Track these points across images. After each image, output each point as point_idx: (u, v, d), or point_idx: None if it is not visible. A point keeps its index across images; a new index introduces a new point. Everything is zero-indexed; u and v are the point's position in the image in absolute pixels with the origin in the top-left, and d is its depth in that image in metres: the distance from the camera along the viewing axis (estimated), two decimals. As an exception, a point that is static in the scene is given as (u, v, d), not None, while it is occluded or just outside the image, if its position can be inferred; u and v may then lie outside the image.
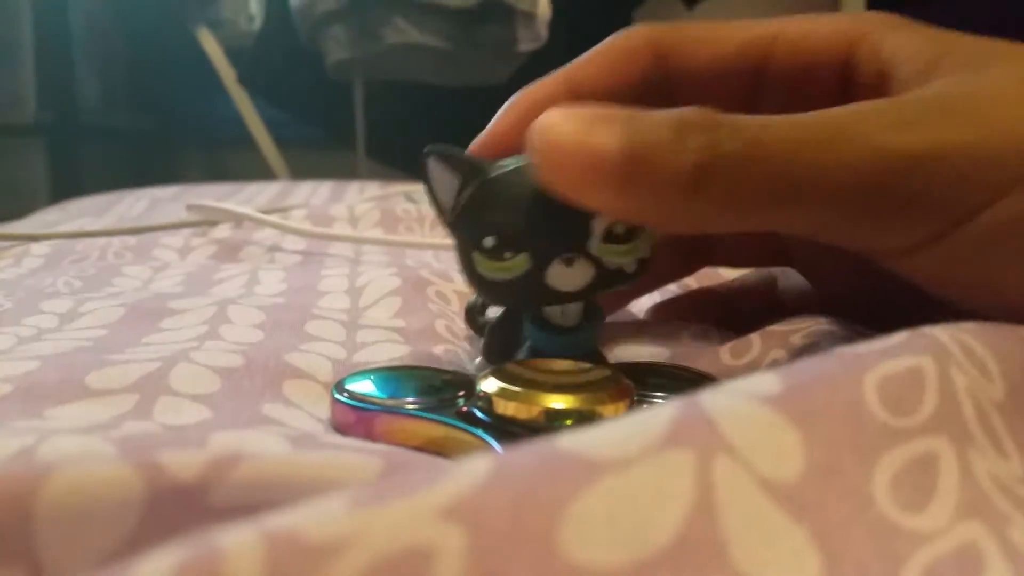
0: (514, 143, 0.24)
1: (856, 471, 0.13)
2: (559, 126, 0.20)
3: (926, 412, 0.14)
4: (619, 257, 0.22)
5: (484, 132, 0.25)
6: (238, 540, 0.09)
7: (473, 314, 0.29)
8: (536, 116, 0.22)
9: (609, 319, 0.29)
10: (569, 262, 0.22)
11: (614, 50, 0.25)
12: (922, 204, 0.18)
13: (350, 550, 0.09)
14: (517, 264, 0.22)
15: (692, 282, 0.39)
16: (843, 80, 0.23)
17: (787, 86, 0.24)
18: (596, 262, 0.22)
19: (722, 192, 0.19)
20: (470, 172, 0.23)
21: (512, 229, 0.22)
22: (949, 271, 0.19)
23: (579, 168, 0.19)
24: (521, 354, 0.25)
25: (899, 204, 0.18)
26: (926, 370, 0.14)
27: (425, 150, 0.23)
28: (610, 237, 0.22)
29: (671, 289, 0.37)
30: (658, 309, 0.32)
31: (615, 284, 0.23)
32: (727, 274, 0.39)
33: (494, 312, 0.28)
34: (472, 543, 0.10)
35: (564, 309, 0.24)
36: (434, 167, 0.23)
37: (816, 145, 0.18)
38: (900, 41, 0.22)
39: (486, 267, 0.23)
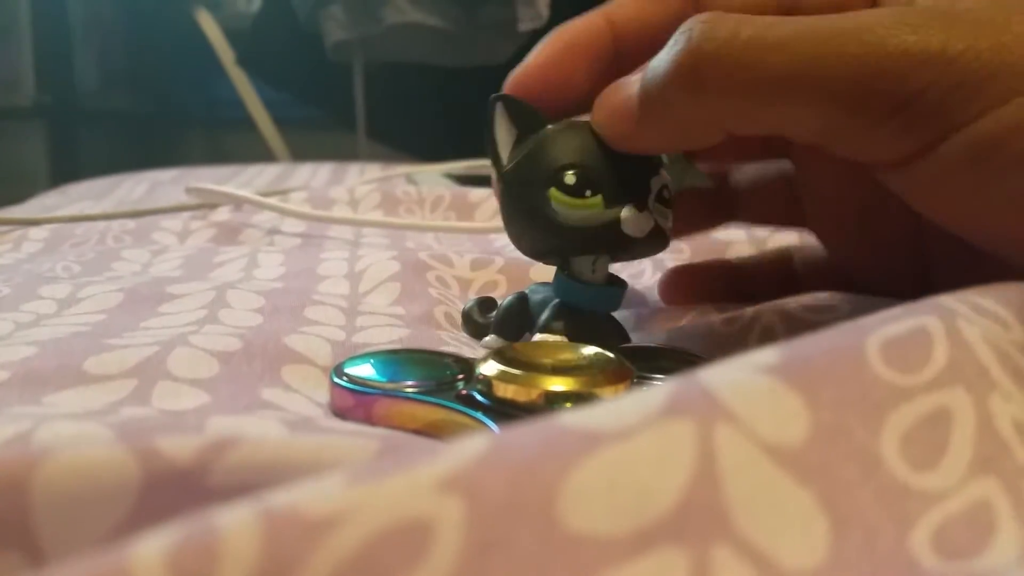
0: (553, 77, 0.25)
1: (863, 432, 0.12)
2: (607, 92, 0.23)
3: (937, 366, 0.14)
4: (663, 219, 0.24)
5: (522, 66, 0.26)
6: (235, 517, 0.09)
7: (471, 317, 0.29)
8: (573, 50, 0.25)
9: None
10: (640, 207, 0.23)
11: None
12: (920, 107, 0.18)
13: (348, 524, 0.09)
14: (593, 203, 0.23)
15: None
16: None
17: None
18: (653, 218, 0.24)
19: (717, 88, 0.20)
20: (533, 124, 0.24)
21: (591, 170, 0.23)
22: (942, 185, 0.19)
23: (619, 119, 0.22)
24: (547, 312, 0.26)
25: (897, 105, 0.18)
26: (931, 327, 0.14)
27: (492, 96, 0.24)
28: (660, 198, 0.24)
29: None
30: (672, 274, 0.32)
31: (661, 244, 0.25)
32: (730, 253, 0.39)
33: (492, 316, 0.28)
34: (471, 515, 0.10)
35: (596, 267, 0.25)
36: (500, 115, 0.25)
37: (816, 39, 0.19)
38: None
39: (562, 203, 0.23)
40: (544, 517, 0.10)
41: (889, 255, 0.26)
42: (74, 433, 0.16)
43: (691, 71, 0.20)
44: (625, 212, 0.23)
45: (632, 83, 0.22)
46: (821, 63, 0.19)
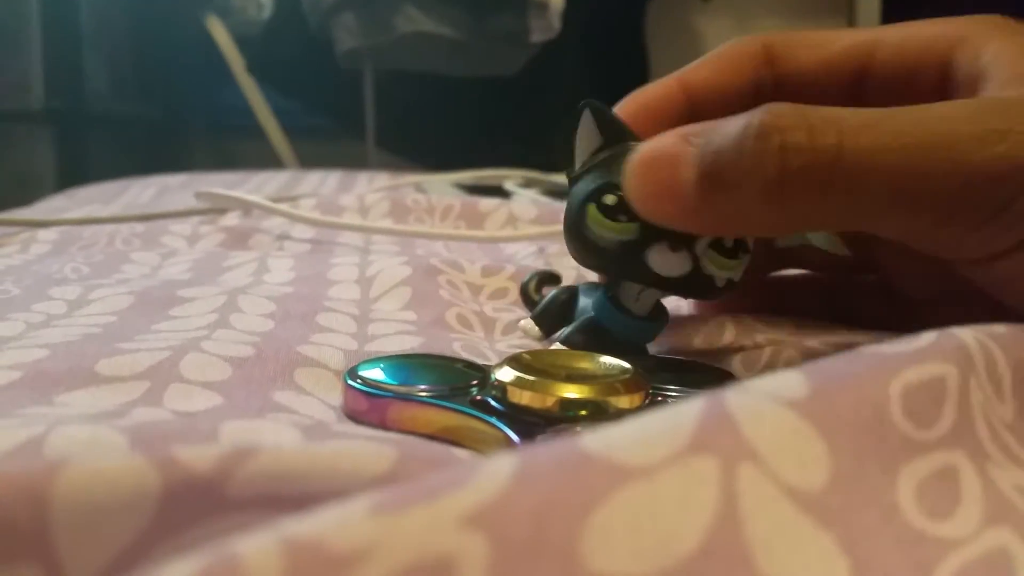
0: None
1: (880, 480, 0.13)
2: (642, 158, 0.21)
3: (944, 427, 0.14)
4: (716, 268, 0.23)
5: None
6: (257, 547, 0.09)
7: (527, 291, 0.30)
8: (645, 113, 0.25)
9: None
10: (675, 248, 0.22)
11: (727, 54, 0.26)
12: (1012, 214, 0.18)
13: (372, 560, 0.09)
14: (626, 229, 0.22)
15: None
16: (942, 83, 0.23)
17: (888, 90, 0.24)
18: (695, 262, 0.22)
19: (801, 201, 0.19)
20: (617, 135, 0.24)
21: None
22: None
23: (667, 200, 0.20)
24: (576, 323, 0.25)
25: (988, 214, 0.18)
26: (948, 380, 0.14)
27: (582, 102, 0.24)
28: (718, 247, 0.23)
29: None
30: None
31: (701, 292, 0.23)
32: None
33: (547, 293, 0.29)
34: (494, 552, 0.10)
35: (640, 297, 0.24)
36: (585, 121, 0.24)
37: (904, 152, 0.18)
38: (1000, 46, 0.22)
39: (596, 222, 0.23)
40: (567, 556, 0.10)
41: (956, 294, 0.26)
42: (87, 437, 0.16)
43: (776, 185, 0.19)
44: (656, 247, 0.22)
45: (679, 161, 0.20)
46: (910, 178, 0.18)
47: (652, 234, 0.22)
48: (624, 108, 0.26)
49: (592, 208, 0.23)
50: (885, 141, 0.18)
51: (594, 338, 0.25)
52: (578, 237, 0.23)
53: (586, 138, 0.24)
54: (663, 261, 0.22)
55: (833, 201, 0.19)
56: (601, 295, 0.25)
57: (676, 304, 0.33)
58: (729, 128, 0.19)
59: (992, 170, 0.18)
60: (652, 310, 0.25)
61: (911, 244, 0.20)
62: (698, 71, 0.26)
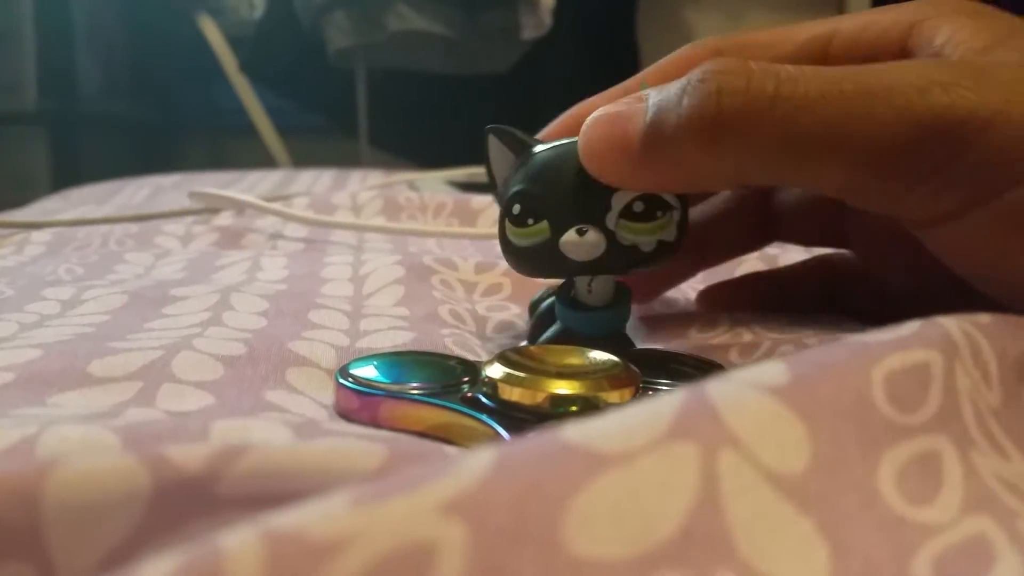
0: None
1: (861, 466, 0.13)
2: (597, 116, 0.22)
3: (929, 411, 0.14)
4: (634, 235, 0.23)
5: (540, 136, 0.26)
6: (239, 540, 0.09)
7: (534, 306, 0.30)
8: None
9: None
10: (581, 232, 0.23)
11: (677, 60, 0.25)
12: (955, 172, 0.18)
13: (351, 548, 0.09)
14: (538, 231, 0.23)
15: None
16: None
17: None
18: (610, 236, 0.23)
19: (738, 146, 0.19)
20: (520, 150, 0.25)
21: (534, 197, 0.23)
22: (974, 247, 0.19)
23: (616, 157, 0.21)
24: (550, 333, 0.26)
25: (929, 170, 0.18)
26: (933, 367, 0.14)
27: (486, 128, 0.25)
28: (627, 214, 0.23)
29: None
30: (710, 291, 0.32)
31: (632, 262, 0.24)
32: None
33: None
34: (474, 539, 0.10)
35: (592, 288, 0.25)
36: (492, 144, 0.25)
37: (843, 98, 0.18)
38: (957, 25, 0.22)
39: (513, 233, 0.24)
40: (547, 541, 0.10)
41: (939, 293, 0.26)
42: (80, 437, 0.16)
43: (711, 126, 0.19)
44: (564, 236, 0.23)
45: (630, 117, 0.21)
46: (848, 125, 0.18)
47: (560, 226, 0.23)
48: (562, 122, 0.26)
49: (506, 222, 0.24)
50: (823, 88, 0.18)
51: (565, 344, 0.25)
52: (507, 251, 0.25)
53: (500, 161, 0.25)
54: (576, 248, 0.23)
55: (769, 148, 0.19)
56: (556, 299, 0.25)
57: (672, 296, 0.34)
58: (676, 81, 0.20)
59: (934, 121, 0.17)
60: (613, 297, 0.25)
61: (855, 203, 0.20)
62: (644, 78, 0.26)
